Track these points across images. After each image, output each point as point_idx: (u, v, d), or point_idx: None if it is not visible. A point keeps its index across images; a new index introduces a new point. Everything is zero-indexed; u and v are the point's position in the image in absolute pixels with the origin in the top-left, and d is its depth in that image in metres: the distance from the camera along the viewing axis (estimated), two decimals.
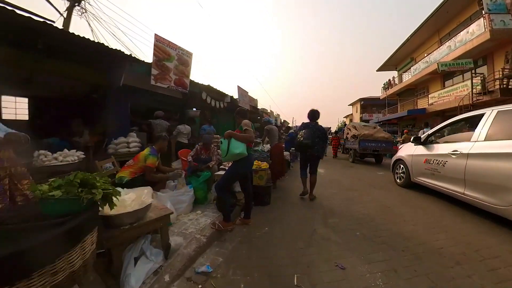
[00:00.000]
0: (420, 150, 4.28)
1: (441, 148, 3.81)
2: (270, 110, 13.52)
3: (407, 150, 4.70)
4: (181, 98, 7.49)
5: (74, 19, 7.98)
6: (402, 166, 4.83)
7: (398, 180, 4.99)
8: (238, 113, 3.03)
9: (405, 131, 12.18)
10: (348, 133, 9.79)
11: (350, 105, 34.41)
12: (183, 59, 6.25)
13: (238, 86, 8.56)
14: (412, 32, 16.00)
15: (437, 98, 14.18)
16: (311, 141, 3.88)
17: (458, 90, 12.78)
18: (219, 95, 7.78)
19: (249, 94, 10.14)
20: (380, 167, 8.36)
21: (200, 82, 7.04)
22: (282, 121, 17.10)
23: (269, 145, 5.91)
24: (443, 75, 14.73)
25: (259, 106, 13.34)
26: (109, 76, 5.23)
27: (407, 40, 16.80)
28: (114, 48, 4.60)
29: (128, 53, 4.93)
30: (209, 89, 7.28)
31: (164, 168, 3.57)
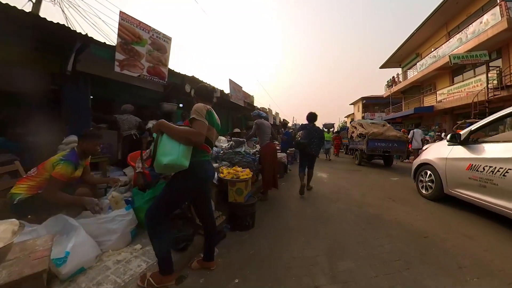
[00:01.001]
0: (460, 152, 3.03)
1: (496, 150, 2.57)
2: (269, 108, 12.31)
3: (438, 152, 3.45)
4: (163, 92, 6.34)
5: (46, 5, 6.87)
6: (429, 172, 3.57)
7: (423, 191, 3.73)
8: (196, 91, 1.84)
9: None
10: (353, 132, 8.43)
11: (351, 104, 32.98)
12: (159, 43, 5.08)
13: (229, 79, 7.38)
14: (418, 26, 14.67)
15: (447, 95, 12.83)
16: (308, 141, 4.02)
17: (471, 86, 11.45)
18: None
19: (244, 89, 8.95)
20: (391, 170, 7.05)
21: (182, 73, 5.87)
22: (282, 120, 15.85)
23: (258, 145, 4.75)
24: (452, 70, 13.42)
25: (259, 105, 12.15)
26: (60, 62, 4.10)
27: (412, 34, 15.45)
28: (55, 22, 3.44)
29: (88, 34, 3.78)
30: (194, 81, 6.11)
31: (96, 179, 2.40)
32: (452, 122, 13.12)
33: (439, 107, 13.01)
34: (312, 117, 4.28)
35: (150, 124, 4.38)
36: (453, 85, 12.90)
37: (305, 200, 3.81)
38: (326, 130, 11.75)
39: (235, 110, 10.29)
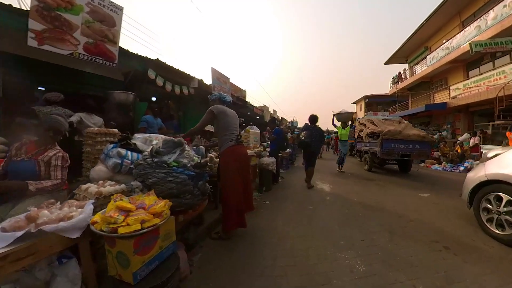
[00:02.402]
0: None
1: None
2: (264, 105, 10.78)
3: None
4: (123, 81, 4.86)
5: None
6: (507, 198, 2.02)
7: (494, 229, 2.11)
8: None
9: None
10: (361, 131, 6.69)
11: (354, 103, 31.15)
12: (103, 13, 3.62)
13: (212, 68, 5.88)
14: (427, 17, 12.96)
15: (462, 90, 11.08)
16: (310, 140, 4.45)
17: (492, 79, 9.72)
18: (180, 77, 5.10)
19: (233, 82, 7.43)
20: (412, 180, 5.32)
21: (142, 55, 4.41)
22: (280, 118, 14.28)
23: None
24: (466, 64, 11.71)
25: (257, 104, 10.62)
26: None
27: (421, 26, 13.73)
28: None
29: None
30: (159, 67, 4.63)
31: None
32: (466, 121, 11.41)
33: (453, 104, 11.29)
34: (313, 119, 4.69)
35: (74, 118, 2.90)
36: (468, 79, 11.17)
37: (293, 240, 2.27)
38: (338, 124, 7.26)
39: None
